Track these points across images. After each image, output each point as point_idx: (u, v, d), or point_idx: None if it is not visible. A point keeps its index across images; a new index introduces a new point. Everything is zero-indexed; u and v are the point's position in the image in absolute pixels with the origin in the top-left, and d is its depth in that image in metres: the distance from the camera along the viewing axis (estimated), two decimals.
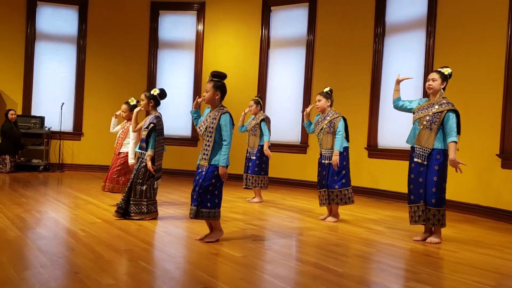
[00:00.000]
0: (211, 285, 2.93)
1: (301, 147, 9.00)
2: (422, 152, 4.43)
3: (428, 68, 7.15)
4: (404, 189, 7.28)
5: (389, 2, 7.98)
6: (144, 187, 4.96)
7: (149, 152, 4.91)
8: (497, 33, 6.29)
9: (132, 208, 4.97)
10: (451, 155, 4.30)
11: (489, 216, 6.15)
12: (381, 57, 8.02)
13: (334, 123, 5.36)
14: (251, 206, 6.39)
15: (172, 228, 4.76)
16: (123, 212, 4.97)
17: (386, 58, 8.00)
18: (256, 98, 6.92)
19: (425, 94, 7.06)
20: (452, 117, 4.34)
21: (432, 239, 4.46)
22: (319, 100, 5.48)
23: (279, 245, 4.22)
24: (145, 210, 4.98)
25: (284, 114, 9.15)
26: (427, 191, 4.40)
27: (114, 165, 5.76)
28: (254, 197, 6.82)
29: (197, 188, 4.03)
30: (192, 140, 10.03)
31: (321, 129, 5.42)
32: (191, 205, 4.07)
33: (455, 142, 4.30)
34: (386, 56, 8.00)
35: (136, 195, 4.95)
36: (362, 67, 8.19)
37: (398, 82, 4.68)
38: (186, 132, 10.13)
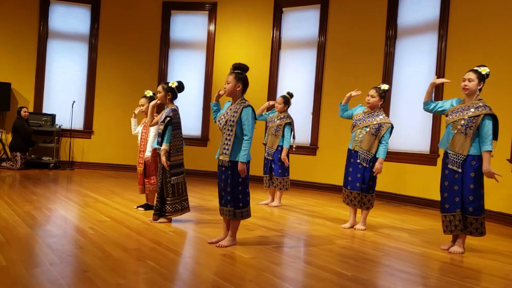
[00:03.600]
0: (219, 286, 2.93)
1: (311, 149, 8.98)
2: (456, 158, 4.18)
3: (440, 71, 7.11)
4: (414, 193, 7.36)
5: (401, 4, 7.95)
6: (174, 183, 4.81)
7: (164, 146, 4.73)
8: (509, 37, 6.24)
9: (167, 208, 4.84)
10: (485, 165, 4.06)
11: (500, 222, 6.10)
12: (392, 60, 7.99)
13: (383, 128, 5.01)
14: (260, 208, 6.38)
15: (181, 228, 4.77)
16: (159, 213, 4.88)
17: (397, 61, 7.96)
18: (287, 95, 6.63)
19: (436, 98, 7.05)
20: (488, 123, 4.09)
21: (454, 249, 4.27)
22: (372, 96, 5.06)
23: (288, 247, 4.21)
24: (179, 208, 4.87)
25: (294, 116, 9.06)
26: (464, 199, 4.17)
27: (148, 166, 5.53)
28: (273, 201, 6.65)
29: (228, 189, 3.93)
30: (202, 140, 10.05)
31: (366, 127, 5.06)
32: (225, 206, 3.95)
33: (490, 151, 4.06)
34: (398, 58, 7.96)
35: (169, 194, 4.80)
36: (373, 69, 8.16)
37: (434, 85, 4.42)
38: (196, 131, 10.15)
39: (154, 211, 4.90)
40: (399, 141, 7.80)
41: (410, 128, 7.61)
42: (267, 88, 9.45)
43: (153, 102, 5.12)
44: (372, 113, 5.10)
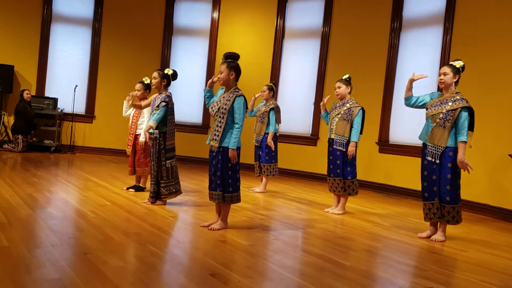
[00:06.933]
0: (218, 272, 2.95)
1: (312, 139, 8.98)
2: (435, 150, 4.37)
3: (444, 65, 7.07)
4: (414, 186, 7.36)
5: None
6: (169, 166, 4.97)
7: (151, 122, 4.87)
8: None
9: (162, 191, 5.01)
10: (460, 155, 4.25)
11: (499, 217, 6.12)
12: (396, 52, 7.96)
13: (353, 111, 5.32)
14: (259, 196, 6.41)
15: (180, 214, 4.79)
16: (156, 196, 5.03)
17: (401, 53, 7.94)
18: (270, 84, 6.85)
19: (439, 91, 7.03)
20: (465, 115, 4.26)
21: (436, 237, 4.45)
22: (339, 87, 5.43)
23: (287, 235, 4.23)
24: (174, 190, 5.03)
25: (296, 105, 9.13)
26: (441, 189, 4.35)
27: (137, 149, 5.67)
28: (258, 187, 6.78)
29: (218, 173, 4.04)
30: (203, 127, 10.05)
31: (338, 114, 5.38)
32: (215, 190, 4.06)
33: (465, 142, 4.24)
34: (402, 51, 7.94)
35: (163, 177, 4.96)
36: (377, 61, 8.14)
37: (412, 81, 4.56)
38: (197, 119, 10.14)
39: (151, 194, 5.04)
40: (402, 134, 7.81)
41: (412, 121, 7.59)
42: (269, 77, 9.42)
43: (134, 92, 5.51)
44: (343, 102, 5.44)
